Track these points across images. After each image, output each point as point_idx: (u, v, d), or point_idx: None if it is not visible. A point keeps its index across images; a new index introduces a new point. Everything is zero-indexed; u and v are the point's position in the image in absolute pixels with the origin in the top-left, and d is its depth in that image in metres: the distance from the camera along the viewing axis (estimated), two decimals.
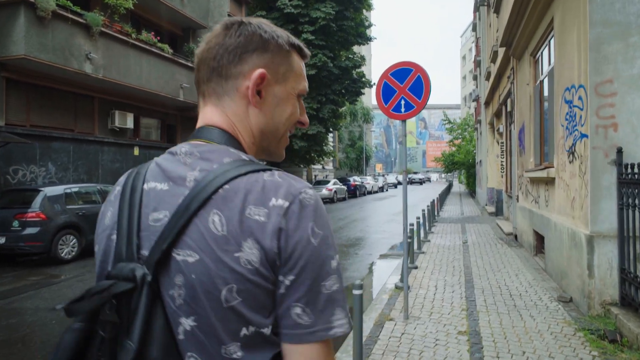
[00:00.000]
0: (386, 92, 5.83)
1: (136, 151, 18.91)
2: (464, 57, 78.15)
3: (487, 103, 23.00)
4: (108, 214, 1.00)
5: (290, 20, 27.37)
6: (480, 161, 27.38)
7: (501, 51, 14.68)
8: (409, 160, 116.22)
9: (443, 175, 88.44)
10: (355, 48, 34.89)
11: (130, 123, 17.85)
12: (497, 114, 19.33)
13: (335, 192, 32.07)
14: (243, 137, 1.02)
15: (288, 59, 1.05)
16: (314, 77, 27.75)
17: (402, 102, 5.69)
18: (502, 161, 16.22)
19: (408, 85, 5.69)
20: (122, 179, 1.04)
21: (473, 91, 29.82)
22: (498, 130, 18.97)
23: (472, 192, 38.87)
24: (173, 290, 0.85)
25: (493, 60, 18.28)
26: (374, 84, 31.99)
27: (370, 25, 31.63)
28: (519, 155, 11.98)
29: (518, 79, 11.90)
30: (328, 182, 32.93)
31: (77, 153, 15.97)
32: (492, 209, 21.31)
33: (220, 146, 0.96)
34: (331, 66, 28.04)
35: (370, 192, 42.19)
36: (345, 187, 34.94)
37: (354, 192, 36.83)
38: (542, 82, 9.20)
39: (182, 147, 0.98)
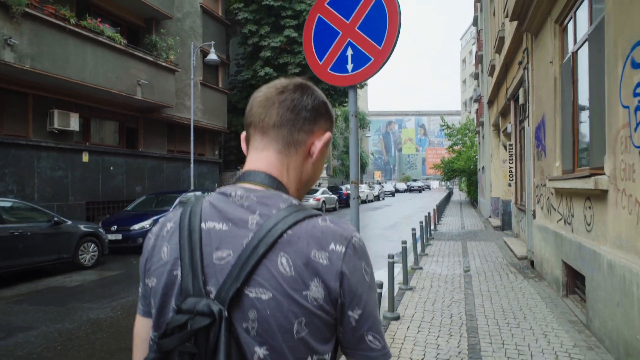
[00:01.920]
0: (321, 37, 3.21)
1: (85, 157, 16.27)
2: (464, 60, 75.74)
3: (491, 102, 20.38)
4: (164, 248, 1.08)
5: (270, 14, 24.80)
6: (483, 168, 24.71)
7: (509, 32, 12.07)
8: (409, 168, 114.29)
9: (443, 183, 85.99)
10: None
11: (74, 124, 15.18)
12: (503, 113, 16.70)
13: (323, 202, 29.58)
14: (291, 185, 1.14)
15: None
16: (298, 76, 25.08)
17: (349, 51, 3.06)
18: (510, 167, 13.59)
19: (359, 21, 3.06)
20: (171, 216, 1.13)
21: (474, 91, 27.27)
22: (504, 131, 16.33)
23: (473, 201, 36.17)
24: (246, 324, 0.96)
25: (498, 50, 15.70)
26: (366, 84, 29.40)
27: None
28: (536, 159, 9.33)
29: (535, 61, 9.27)
30: (316, 191, 30.36)
31: (3, 160, 13.31)
32: (497, 222, 18.62)
33: (274, 192, 1.08)
34: None
35: (364, 202, 39.51)
36: (335, 197, 32.47)
37: (346, 202, 34.19)
38: (576, 53, 6.53)
39: (236, 190, 1.08)
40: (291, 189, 1.14)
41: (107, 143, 18.06)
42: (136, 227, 12.83)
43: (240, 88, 27.60)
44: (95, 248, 10.92)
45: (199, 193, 16.51)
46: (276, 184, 1.10)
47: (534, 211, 9.50)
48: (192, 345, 0.93)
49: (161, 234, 1.12)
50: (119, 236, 12.61)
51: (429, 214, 14.86)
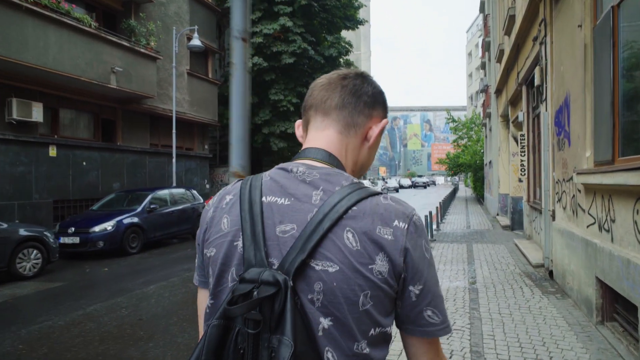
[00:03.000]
0: None
1: (52, 151, 14.78)
2: (469, 54, 74.01)
3: (499, 91, 18.78)
4: (224, 220, 1.10)
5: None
6: (490, 162, 23.10)
7: (521, 7, 10.51)
8: (414, 164, 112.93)
9: (449, 179, 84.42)
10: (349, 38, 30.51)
11: (37, 115, 13.67)
12: (513, 101, 15.11)
13: None
14: (348, 164, 1.17)
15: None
16: (292, 66, 23.60)
17: None
18: (522, 161, 12.03)
19: None
20: (230, 189, 1.16)
21: (481, 81, 25.64)
22: (515, 121, 14.74)
23: (479, 197, 34.55)
24: (312, 295, 0.97)
25: (507, 32, 14.16)
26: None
27: (360, 6, 27.42)
28: (556, 149, 7.77)
29: (555, 32, 7.72)
30: None
31: None
32: (505, 220, 17.05)
33: (335, 169, 1.10)
34: (313, 53, 23.84)
35: None
36: None
37: None
38: (617, 7, 4.95)
39: (297, 166, 1.10)
40: (348, 168, 1.17)
41: (80, 136, 16.54)
42: (96, 229, 11.36)
43: None
44: (39, 255, 9.40)
45: (180, 190, 15.03)
46: (336, 162, 1.13)
47: (553, 211, 7.94)
48: (257, 312, 0.93)
49: (220, 205, 1.14)
50: (77, 239, 11.14)
51: (430, 213, 13.31)
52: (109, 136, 17.89)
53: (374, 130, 1.19)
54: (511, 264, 9.35)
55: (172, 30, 19.09)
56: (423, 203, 32.38)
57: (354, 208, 1.01)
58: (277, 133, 23.89)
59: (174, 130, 18.24)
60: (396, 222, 1.02)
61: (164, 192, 13.99)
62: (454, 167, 37.97)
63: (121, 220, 11.81)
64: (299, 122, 1.26)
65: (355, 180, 1.09)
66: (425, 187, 70.87)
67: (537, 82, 9.14)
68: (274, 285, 0.94)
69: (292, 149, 24.90)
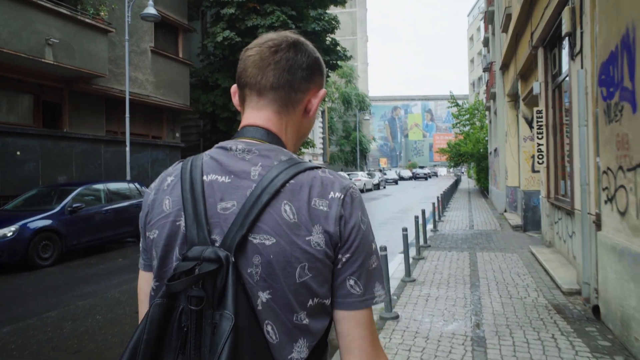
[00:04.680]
0: None
1: None
2: (471, 38, 71.15)
3: (505, 66, 16.13)
4: (165, 201, 1.09)
5: None
6: (496, 150, 20.43)
7: None
8: (415, 154, 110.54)
9: (451, 170, 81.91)
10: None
11: None
12: (524, 74, 12.47)
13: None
14: (289, 141, 1.17)
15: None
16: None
17: None
18: (538, 145, 9.41)
19: None
20: (171, 170, 1.14)
21: (484, 58, 22.96)
22: (526, 97, 12.12)
23: (483, 189, 31.91)
24: (251, 269, 0.98)
25: None
26: (351, 56, 25.09)
27: None
28: (604, 122, 5.15)
29: None
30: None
31: None
32: (515, 219, 14.45)
33: (274, 146, 1.10)
34: (293, 28, 21.07)
35: (362, 191, 35.25)
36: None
37: None
38: None
39: (236, 144, 1.09)
40: (289, 144, 1.17)
41: (12, 121, 13.94)
42: None
43: (210, 60, 23.44)
44: None
45: (121, 184, 12.45)
46: (275, 140, 1.12)
47: (598, 216, 5.33)
48: (199, 289, 0.94)
49: (161, 187, 1.13)
50: None
51: (423, 211, 10.72)
52: (52, 121, 15.32)
53: (313, 103, 1.19)
54: (531, 288, 6.73)
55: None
56: (423, 196, 29.81)
57: (291, 181, 1.02)
58: None
59: (127, 115, 15.56)
60: (332, 194, 1.03)
61: (97, 187, 11.37)
62: (456, 157, 35.25)
63: (26, 224, 9.21)
64: (234, 89, 1.23)
65: (294, 155, 1.10)
66: (426, 178, 68.15)
67: (565, 30, 6.52)
68: (215, 261, 0.94)
69: None
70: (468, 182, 51.78)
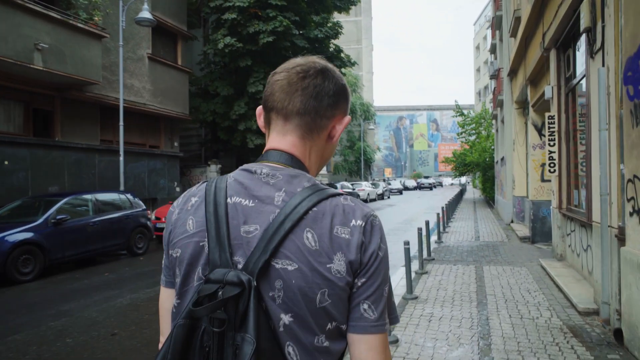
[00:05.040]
0: None
1: None
2: (477, 47, 70.69)
3: (514, 72, 15.59)
4: (189, 221, 1.11)
5: None
6: (503, 159, 19.83)
7: None
8: (420, 164, 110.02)
9: (456, 180, 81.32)
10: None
11: None
12: (534, 79, 11.92)
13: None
14: (312, 166, 1.18)
15: None
16: (272, 49, 20.43)
17: None
18: (550, 152, 8.84)
19: None
20: (195, 191, 1.17)
21: (491, 65, 22.41)
22: (536, 102, 11.56)
23: (489, 199, 31.25)
24: (273, 292, 1.00)
25: None
26: (355, 62, 24.55)
27: None
28: (632, 124, 4.58)
29: None
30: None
31: None
32: (523, 230, 13.84)
33: (297, 171, 1.11)
34: (296, 34, 20.63)
35: (365, 201, 34.67)
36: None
37: None
38: None
39: (261, 168, 1.11)
40: (312, 169, 1.19)
41: (3, 130, 13.45)
42: None
43: (211, 69, 22.99)
44: None
45: (111, 195, 11.94)
46: (299, 165, 1.14)
47: (622, 229, 4.75)
48: (222, 312, 0.96)
49: (185, 207, 1.15)
50: None
51: (427, 222, 10.15)
52: (44, 130, 14.85)
53: (338, 129, 1.19)
54: (544, 306, 6.14)
55: (120, 2, 15.86)
56: (427, 206, 29.19)
57: (314, 209, 1.03)
58: (254, 129, 20.72)
59: (120, 123, 15.11)
60: (354, 222, 1.04)
61: (84, 198, 10.84)
62: (461, 166, 34.61)
63: (4, 237, 8.68)
64: (260, 110, 1.23)
65: (317, 181, 1.11)
66: (431, 188, 67.55)
67: (584, 25, 5.98)
68: (238, 285, 0.96)
69: None
70: (473, 192, 51.14)
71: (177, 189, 20.25)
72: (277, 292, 1.00)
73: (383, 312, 1.05)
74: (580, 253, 7.24)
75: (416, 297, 6.75)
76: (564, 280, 6.99)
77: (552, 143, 8.82)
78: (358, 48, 65.33)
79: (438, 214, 13.71)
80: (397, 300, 6.64)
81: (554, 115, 8.81)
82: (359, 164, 54.48)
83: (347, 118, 1.22)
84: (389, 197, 43.08)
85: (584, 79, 7.27)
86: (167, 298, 1.19)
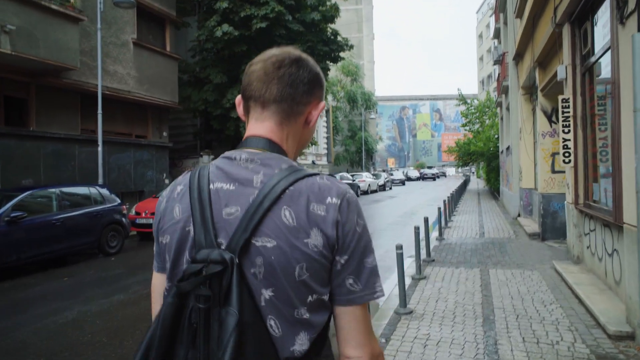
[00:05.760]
0: None
1: None
2: (480, 35, 69.27)
3: (520, 55, 14.51)
4: (176, 208, 1.17)
5: None
6: (508, 148, 18.75)
7: None
8: (424, 154, 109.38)
9: (459, 170, 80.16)
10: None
11: None
12: (543, 61, 10.85)
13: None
14: (290, 150, 1.23)
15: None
16: (266, 35, 19.37)
17: None
18: (564, 140, 7.80)
19: None
20: (181, 179, 1.23)
21: (495, 50, 21.25)
22: (546, 86, 10.49)
23: (494, 190, 30.20)
24: (254, 269, 1.06)
25: None
26: (352, 45, 23.44)
27: None
28: None
29: None
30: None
31: None
32: (532, 225, 12.81)
33: (275, 154, 1.17)
34: (290, 19, 19.53)
35: (366, 192, 33.66)
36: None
37: None
38: None
39: (240, 154, 1.16)
40: (290, 153, 1.23)
41: None
42: None
43: (203, 55, 21.91)
44: None
45: (80, 189, 10.94)
46: (277, 149, 1.19)
47: None
48: (206, 289, 1.02)
49: (172, 196, 1.21)
50: None
51: (426, 219, 9.14)
52: (17, 119, 13.87)
53: (314, 115, 1.26)
54: (564, 326, 5.11)
55: None
56: (430, 197, 28.17)
57: (291, 188, 1.08)
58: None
59: (99, 111, 14.10)
60: (329, 199, 1.09)
61: (47, 193, 9.81)
62: (465, 156, 33.50)
63: None
64: (239, 100, 1.28)
65: (295, 163, 1.17)
66: (434, 179, 66.45)
67: None
68: (221, 263, 1.02)
69: None
70: (477, 183, 50.07)
71: (167, 181, 19.26)
72: (257, 268, 1.05)
73: (367, 282, 1.10)
74: (604, 257, 6.21)
75: (411, 312, 5.74)
76: (584, 291, 5.97)
77: (566, 130, 7.78)
78: (359, 37, 63.97)
79: (439, 208, 12.69)
80: (388, 315, 5.64)
81: (568, 98, 7.76)
82: (360, 154, 53.41)
83: (322, 104, 1.28)
84: (390, 188, 42.00)
85: (606, 54, 6.22)
86: (158, 282, 1.25)
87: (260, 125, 1.20)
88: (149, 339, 1.04)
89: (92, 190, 10.92)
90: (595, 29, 6.91)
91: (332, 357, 1.14)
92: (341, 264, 1.08)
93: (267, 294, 1.05)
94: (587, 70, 7.32)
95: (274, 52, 1.23)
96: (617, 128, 5.13)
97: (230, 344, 0.95)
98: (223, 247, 1.06)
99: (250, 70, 1.22)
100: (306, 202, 1.07)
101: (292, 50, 1.24)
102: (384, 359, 1.15)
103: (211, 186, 1.13)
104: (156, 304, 1.24)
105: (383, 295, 1.15)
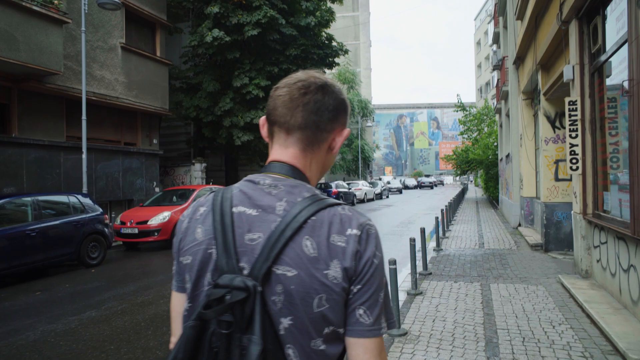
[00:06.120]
0: None
1: None
2: (478, 43, 69.05)
3: (521, 58, 14.03)
4: (198, 230, 1.16)
5: None
6: (508, 155, 18.23)
7: None
8: (421, 163, 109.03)
9: (457, 178, 79.73)
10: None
11: None
12: (546, 63, 10.36)
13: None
14: (313, 175, 1.24)
15: None
16: (259, 41, 18.94)
17: None
18: (572, 146, 7.29)
19: None
20: (203, 201, 1.22)
21: (494, 54, 20.80)
22: (549, 90, 9.99)
23: (492, 199, 29.68)
24: (274, 297, 1.04)
25: None
26: (347, 50, 22.98)
27: None
28: None
29: None
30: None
31: None
32: (533, 235, 12.29)
33: (298, 181, 1.17)
34: (284, 24, 19.07)
35: (362, 201, 33.12)
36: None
37: None
38: None
39: (264, 179, 1.17)
40: (312, 179, 1.24)
41: None
42: None
43: (195, 61, 21.46)
44: None
45: (58, 198, 10.38)
46: (300, 175, 1.19)
47: None
48: (229, 315, 1.01)
49: (194, 217, 1.19)
50: None
51: (423, 230, 8.60)
52: None
53: (337, 141, 1.25)
54: (576, 351, 4.55)
55: None
56: (427, 206, 27.61)
57: (313, 218, 1.08)
58: (240, 125, 19.18)
59: (83, 117, 13.55)
60: (349, 230, 1.08)
61: (21, 202, 9.25)
62: (463, 164, 32.97)
63: None
64: (263, 121, 1.27)
65: (318, 192, 1.16)
66: (431, 187, 65.97)
67: None
68: (244, 290, 1.01)
69: (261, 141, 20.19)
70: (475, 191, 49.54)
71: (157, 189, 18.70)
72: (277, 296, 1.04)
73: (378, 317, 1.07)
74: (617, 273, 5.68)
75: (405, 333, 5.19)
76: (597, 310, 5.43)
77: (573, 134, 7.26)
78: (356, 44, 63.60)
79: (437, 218, 12.18)
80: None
81: (575, 101, 7.25)
82: (357, 163, 52.90)
83: (347, 130, 1.27)
84: (387, 197, 41.44)
85: (620, 51, 5.73)
86: (177, 301, 1.23)
87: (284, 151, 1.21)
88: None
89: (72, 199, 10.36)
90: (607, 23, 6.42)
91: None
92: (353, 293, 1.07)
93: (286, 322, 1.04)
94: (596, 69, 6.81)
95: (300, 77, 1.22)
96: (636, 132, 4.62)
97: None
98: (245, 272, 1.06)
99: (276, 95, 1.21)
100: (327, 233, 1.07)
101: (318, 75, 1.24)
102: None
103: (234, 209, 1.13)
104: (175, 323, 1.25)
105: (394, 327, 1.15)
